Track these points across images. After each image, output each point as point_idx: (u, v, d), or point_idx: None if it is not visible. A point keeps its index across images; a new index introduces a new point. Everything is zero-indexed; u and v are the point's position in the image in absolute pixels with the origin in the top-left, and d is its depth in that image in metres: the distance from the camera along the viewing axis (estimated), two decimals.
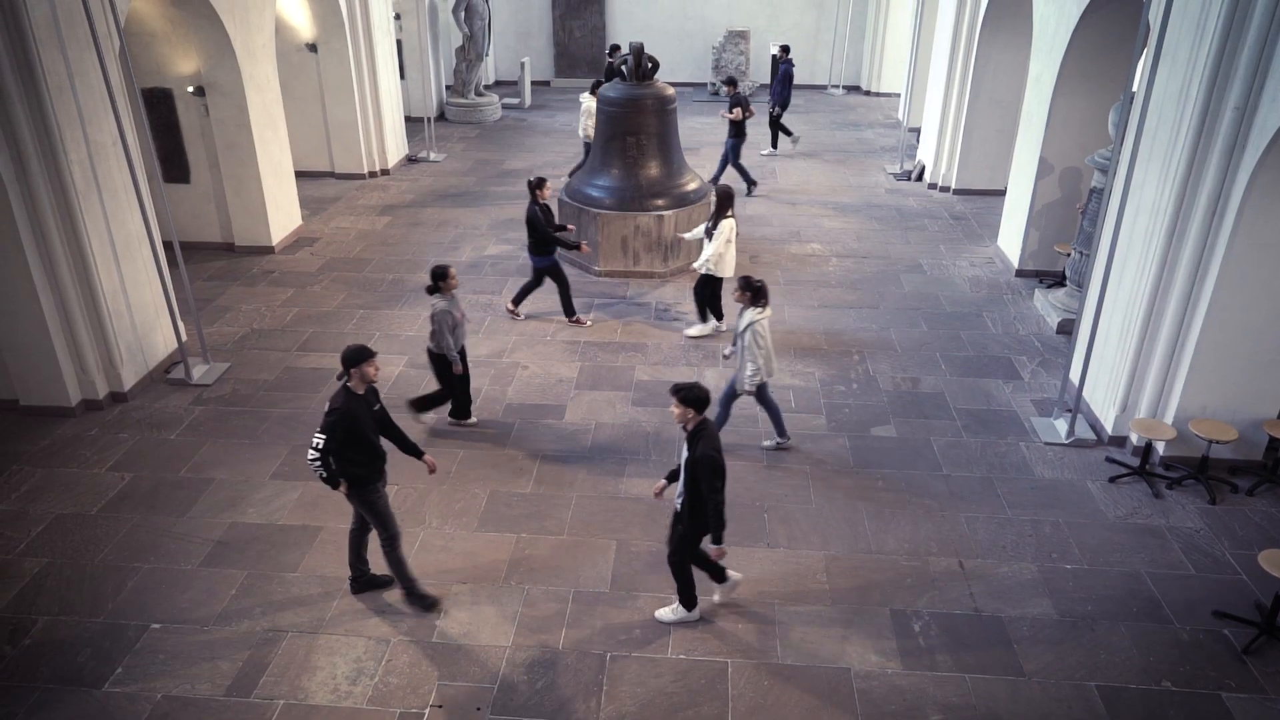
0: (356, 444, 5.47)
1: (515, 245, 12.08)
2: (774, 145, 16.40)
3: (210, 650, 5.63)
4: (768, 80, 21.00)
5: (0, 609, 5.94)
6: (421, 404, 7.88)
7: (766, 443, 7.73)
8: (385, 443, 5.74)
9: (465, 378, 7.82)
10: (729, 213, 9.02)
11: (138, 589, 6.11)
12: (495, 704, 5.29)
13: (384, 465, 5.66)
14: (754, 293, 7.17)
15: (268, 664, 5.54)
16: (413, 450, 5.89)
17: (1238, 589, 6.21)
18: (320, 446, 5.32)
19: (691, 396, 5.34)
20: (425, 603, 5.90)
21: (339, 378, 5.50)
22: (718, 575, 5.93)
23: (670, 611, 5.88)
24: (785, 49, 16.37)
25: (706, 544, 5.47)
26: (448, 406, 7.98)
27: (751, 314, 7.19)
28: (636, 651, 5.66)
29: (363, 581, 6.10)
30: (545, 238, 9.35)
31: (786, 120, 17.22)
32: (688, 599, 5.84)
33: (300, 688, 5.38)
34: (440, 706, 5.27)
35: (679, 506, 5.59)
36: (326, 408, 5.42)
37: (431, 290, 7.44)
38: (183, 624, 5.83)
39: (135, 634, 5.75)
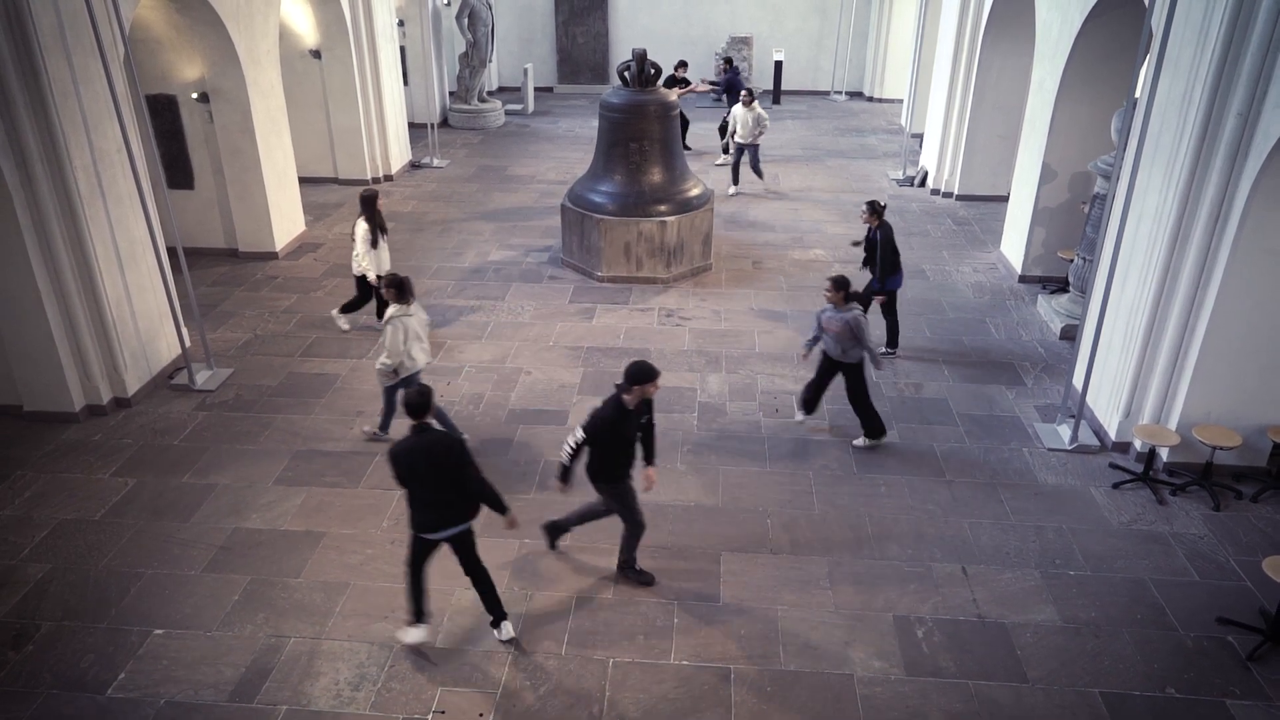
0: (617, 448, 5.76)
1: (519, 251, 12.10)
2: (726, 151, 16.34)
3: (213, 656, 5.63)
4: (770, 86, 21.07)
5: (4, 614, 5.96)
6: (873, 430, 7.83)
7: (366, 428, 7.94)
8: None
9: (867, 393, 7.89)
10: (362, 215, 8.95)
11: (141, 594, 6.12)
12: (498, 710, 5.29)
13: (631, 467, 5.93)
14: (397, 289, 7.30)
15: (270, 670, 5.54)
16: (648, 456, 6.12)
17: (1242, 595, 6.19)
18: (575, 442, 5.68)
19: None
20: (643, 578, 6.24)
21: (616, 386, 5.66)
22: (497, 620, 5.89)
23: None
24: (729, 60, 16.96)
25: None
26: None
27: (393, 309, 7.26)
28: (639, 657, 5.65)
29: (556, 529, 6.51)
30: None
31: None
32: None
33: (303, 693, 5.39)
34: (443, 713, 5.27)
35: None
36: (591, 412, 5.69)
37: (847, 299, 7.54)
38: (186, 629, 5.84)
39: (138, 639, 5.75)
